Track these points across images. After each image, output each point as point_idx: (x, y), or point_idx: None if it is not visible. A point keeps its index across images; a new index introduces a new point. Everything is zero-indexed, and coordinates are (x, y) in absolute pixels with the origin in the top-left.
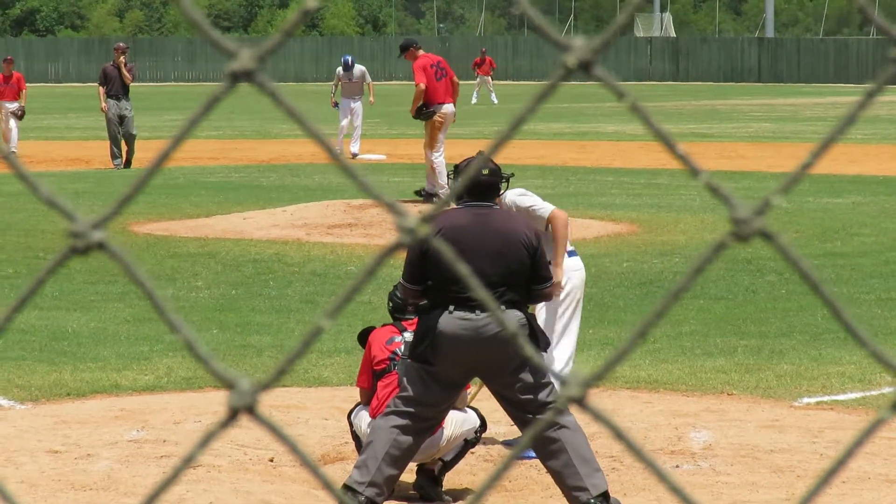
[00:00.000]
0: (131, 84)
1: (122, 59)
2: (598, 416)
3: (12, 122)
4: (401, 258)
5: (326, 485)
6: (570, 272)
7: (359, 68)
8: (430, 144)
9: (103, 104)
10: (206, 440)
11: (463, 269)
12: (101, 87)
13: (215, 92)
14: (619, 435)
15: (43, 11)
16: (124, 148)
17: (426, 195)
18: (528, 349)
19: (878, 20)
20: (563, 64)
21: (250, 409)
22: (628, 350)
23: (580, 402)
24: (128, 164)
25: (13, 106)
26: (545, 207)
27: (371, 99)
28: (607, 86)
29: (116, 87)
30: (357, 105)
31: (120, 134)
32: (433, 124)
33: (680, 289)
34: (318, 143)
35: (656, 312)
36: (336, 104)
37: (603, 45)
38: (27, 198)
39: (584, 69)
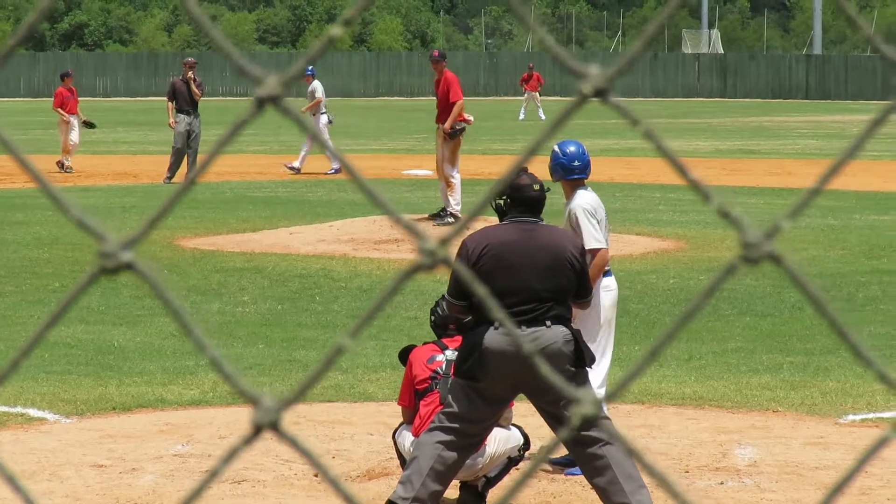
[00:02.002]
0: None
1: (191, 74)
2: (612, 435)
3: (77, 136)
4: (444, 273)
5: (349, 500)
6: (602, 291)
7: (314, 84)
8: (453, 161)
9: (172, 119)
10: (230, 456)
11: (481, 290)
12: (169, 103)
13: (242, 116)
14: (631, 451)
15: (91, 26)
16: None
17: (449, 215)
18: (549, 374)
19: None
20: (579, 91)
21: (274, 426)
22: (640, 371)
23: (592, 420)
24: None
25: (74, 119)
26: (592, 240)
27: (328, 117)
28: (621, 113)
29: (186, 103)
30: (311, 120)
31: (186, 149)
32: (458, 141)
33: (692, 310)
34: (343, 165)
35: (668, 334)
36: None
37: (617, 74)
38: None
39: (600, 96)
